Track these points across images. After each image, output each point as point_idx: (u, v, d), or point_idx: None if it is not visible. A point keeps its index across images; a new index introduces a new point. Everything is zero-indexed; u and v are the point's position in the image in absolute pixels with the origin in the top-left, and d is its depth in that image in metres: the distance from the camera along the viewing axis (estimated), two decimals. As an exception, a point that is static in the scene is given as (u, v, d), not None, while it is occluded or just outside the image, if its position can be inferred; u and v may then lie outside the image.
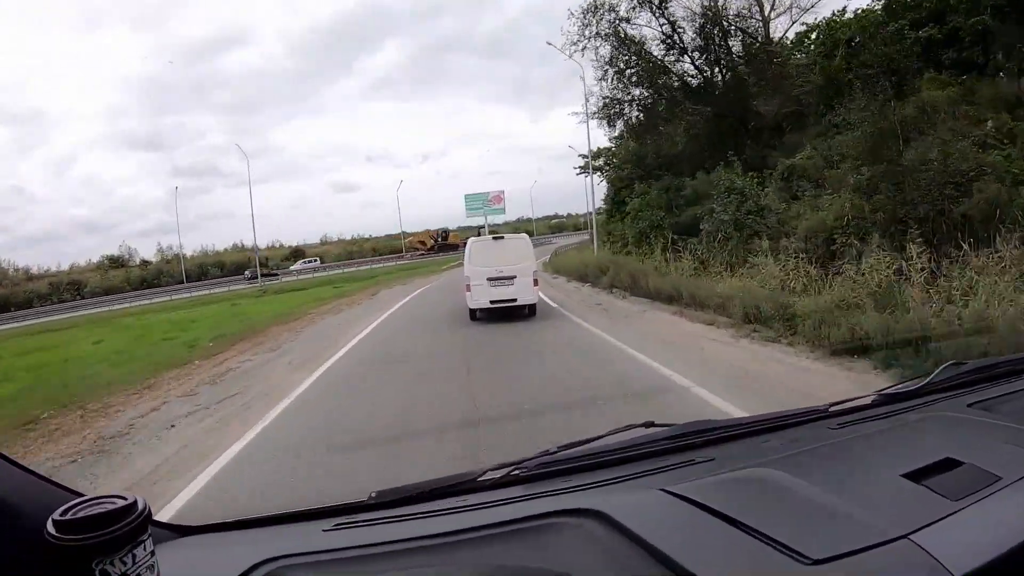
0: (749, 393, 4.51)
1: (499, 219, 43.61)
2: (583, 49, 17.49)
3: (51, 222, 76.41)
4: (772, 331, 6.94)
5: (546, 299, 12.34)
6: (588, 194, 26.42)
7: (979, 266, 6.72)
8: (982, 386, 1.32)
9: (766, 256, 9.72)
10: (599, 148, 24.65)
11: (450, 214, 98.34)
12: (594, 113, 18.16)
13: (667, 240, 13.55)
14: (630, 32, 17.17)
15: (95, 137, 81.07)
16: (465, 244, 10.97)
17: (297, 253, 55.79)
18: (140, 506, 0.68)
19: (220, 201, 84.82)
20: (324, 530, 0.97)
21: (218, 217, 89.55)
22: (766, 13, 18.05)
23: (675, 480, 0.95)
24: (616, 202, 21.96)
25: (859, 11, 18.34)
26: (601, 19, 16.97)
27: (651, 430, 1.23)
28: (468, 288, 9.59)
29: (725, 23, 17.03)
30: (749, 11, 17.49)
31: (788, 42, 18.89)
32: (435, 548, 0.85)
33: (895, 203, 9.04)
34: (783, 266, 9.14)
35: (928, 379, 1.33)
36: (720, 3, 16.85)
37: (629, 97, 17.41)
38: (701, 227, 13.28)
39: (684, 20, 17.06)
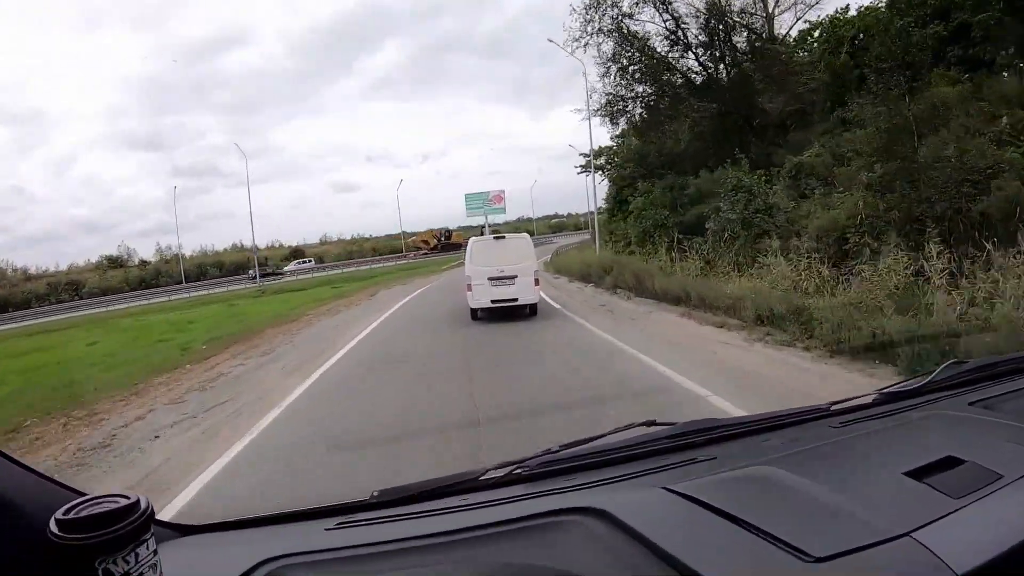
0: (773, 400, 4.21)
1: (499, 219, 43.41)
2: (585, 46, 17.21)
3: (51, 222, 76.22)
4: (786, 334, 6.65)
5: (549, 300, 12.06)
6: (590, 193, 26.12)
7: (1004, 266, 6.42)
8: (983, 385, 1.31)
9: (776, 256, 9.42)
10: (600, 147, 24.44)
11: (450, 214, 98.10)
12: (596, 110, 17.85)
13: (672, 239, 13.25)
14: (633, 28, 16.90)
15: (95, 137, 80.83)
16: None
17: (296, 253, 55.51)
18: (143, 505, 0.68)
19: (220, 201, 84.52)
20: (326, 529, 0.97)
21: (218, 217, 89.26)
22: (770, 10, 17.81)
23: (677, 479, 0.95)
24: (618, 201, 21.69)
25: (863, 9, 18.19)
26: (604, 15, 16.68)
27: (653, 429, 1.23)
28: (469, 288, 9.55)
29: (729, 19, 16.75)
30: (753, 6, 17.23)
31: (791, 40, 18.65)
32: (437, 547, 0.85)
33: (911, 201, 8.75)
34: (795, 266, 8.85)
35: (929, 378, 1.33)
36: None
37: (632, 94, 17.10)
38: (707, 226, 13.01)
39: (688, 16, 16.82)
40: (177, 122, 79.13)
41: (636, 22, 16.91)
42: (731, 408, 4.11)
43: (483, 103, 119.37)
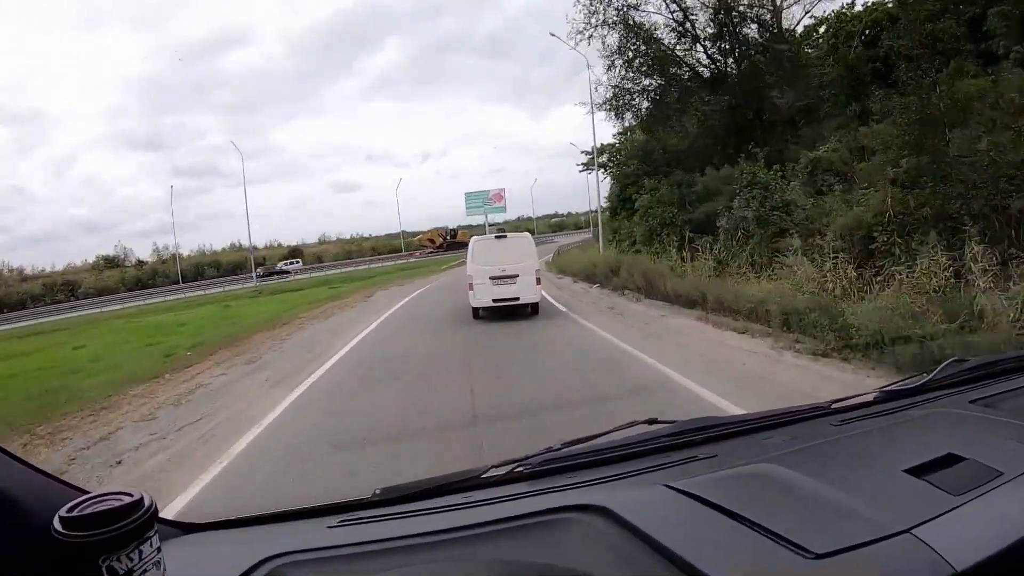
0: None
1: (499, 217, 43.00)
2: (589, 38, 16.57)
3: (51, 222, 75.84)
4: (817, 341, 6.06)
5: (554, 302, 11.51)
6: (593, 190, 25.47)
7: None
8: (984, 383, 1.31)
9: (798, 255, 8.83)
10: (603, 144, 23.84)
11: (451, 213, 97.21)
12: (601, 104, 17.25)
13: (683, 238, 12.65)
14: (639, 19, 16.28)
15: (95, 137, 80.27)
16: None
17: (295, 252, 55.05)
18: (146, 503, 0.68)
19: (220, 201, 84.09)
20: (328, 527, 0.96)
21: (218, 217, 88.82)
22: (778, 3, 17.20)
23: (678, 476, 0.95)
24: (622, 199, 21.09)
25: (871, 3, 17.64)
26: (608, 5, 16.05)
27: (654, 427, 1.23)
28: (471, 287, 9.53)
29: (739, 11, 16.13)
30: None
31: (797, 35, 18.06)
32: (439, 544, 0.85)
33: (943, 197, 8.15)
34: (819, 267, 8.26)
35: (930, 376, 1.33)
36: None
37: (639, 87, 16.50)
38: (718, 224, 12.43)
39: (696, 8, 16.21)
40: (177, 122, 78.67)
41: (642, 13, 16.32)
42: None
43: (483, 102, 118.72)
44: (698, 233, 12.97)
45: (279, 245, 58.69)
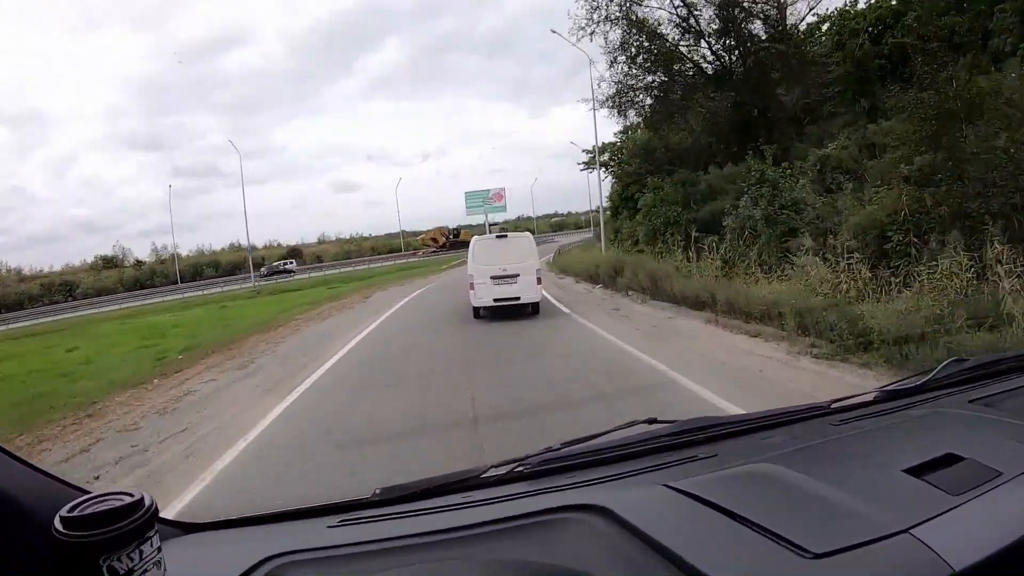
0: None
1: (499, 217, 42.79)
2: (591, 34, 16.27)
3: (52, 222, 75.68)
4: (835, 346, 5.78)
5: (558, 304, 11.23)
6: (595, 189, 25.09)
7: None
8: (984, 382, 1.31)
9: (809, 255, 8.54)
10: (604, 143, 23.57)
11: (450, 213, 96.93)
12: (604, 101, 16.94)
13: (689, 238, 12.35)
14: (642, 15, 15.99)
15: (95, 137, 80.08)
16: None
17: (294, 252, 54.84)
18: (147, 503, 0.68)
19: (220, 201, 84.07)
20: (328, 527, 0.96)
21: (218, 217, 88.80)
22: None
23: (678, 476, 0.95)
24: (624, 198, 20.80)
25: (873, 1, 17.37)
26: (611, 1, 15.77)
27: (654, 426, 1.23)
28: (472, 286, 9.54)
29: (743, 6, 15.82)
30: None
31: (800, 33, 17.78)
32: (439, 544, 0.85)
33: (961, 196, 7.86)
34: (832, 267, 7.97)
35: (930, 375, 1.32)
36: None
37: (642, 84, 16.19)
38: (724, 223, 12.14)
39: (700, 4, 15.91)
40: (177, 122, 78.55)
41: (645, 8, 16.03)
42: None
43: (483, 102, 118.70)
44: (703, 232, 12.69)
45: (278, 245, 58.56)
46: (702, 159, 16.17)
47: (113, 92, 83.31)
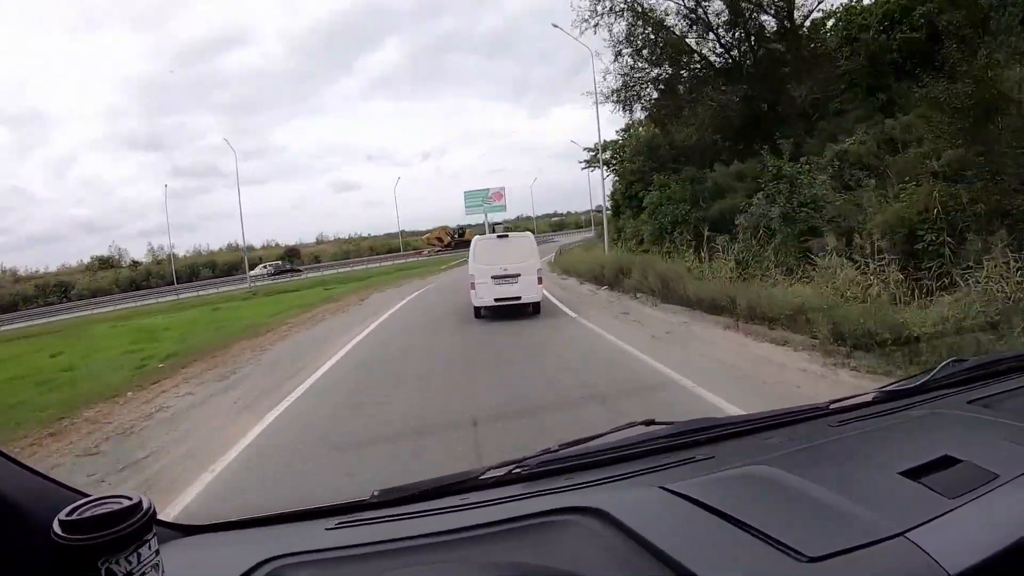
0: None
1: (499, 216, 42.26)
2: (595, 27, 15.76)
3: (52, 223, 74.70)
4: (874, 357, 5.23)
5: (561, 305, 10.67)
6: (597, 188, 24.62)
7: None
8: (983, 383, 1.30)
9: (834, 256, 7.99)
10: (606, 142, 23.00)
11: (450, 213, 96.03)
12: (608, 96, 16.38)
13: (700, 237, 11.80)
14: (648, 6, 15.44)
15: (95, 137, 79.12)
16: None
17: (292, 252, 54.25)
18: (145, 506, 0.67)
19: (220, 201, 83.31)
20: (327, 529, 0.96)
21: (218, 217, 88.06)
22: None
23: (675, 478, 0.94)
24: (627, 197, 20.26)
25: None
26: (616, -9, 15.23)
27: (652, 428, 1.21)
28: (473, 286, 9.54)
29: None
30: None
31: (806, 28, 17.25)
32: (437, 546, 0.84)
33: (1000, 192, 7.31)
34: (861, 269, 7.43)
35: (929, 376, 1.31)
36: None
37: (648, 77, 15.63)
38: (736, 222, 11.59)
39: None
40: (177, 122, 77.54)
41: (651, -1, 15.48)
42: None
43: (483, 102, 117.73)
44: (713, 232, 12.16)
45: (276, 245, 57.85)
46: (707, 157, 15.65)
47: (113, 92, 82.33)
